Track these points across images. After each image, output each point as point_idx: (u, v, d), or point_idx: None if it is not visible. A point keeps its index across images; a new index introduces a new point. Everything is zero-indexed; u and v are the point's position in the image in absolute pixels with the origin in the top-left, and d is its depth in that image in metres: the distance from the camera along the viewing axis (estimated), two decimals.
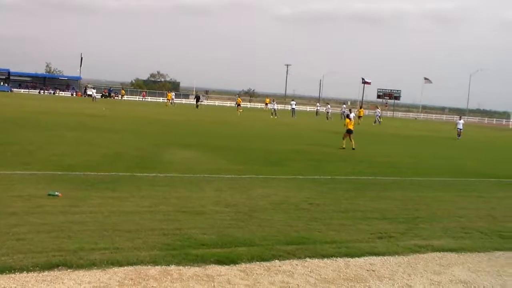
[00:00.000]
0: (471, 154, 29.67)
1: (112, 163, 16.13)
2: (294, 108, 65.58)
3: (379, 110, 63.54)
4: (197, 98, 73.58)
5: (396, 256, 8.60)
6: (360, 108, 58.76)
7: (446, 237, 10.02)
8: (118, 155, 17.91)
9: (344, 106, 68.90)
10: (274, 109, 60.40)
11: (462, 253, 9.05)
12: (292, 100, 71.25)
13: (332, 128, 43.68)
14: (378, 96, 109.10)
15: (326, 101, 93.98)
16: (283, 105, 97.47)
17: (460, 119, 45.09)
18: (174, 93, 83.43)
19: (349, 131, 26.01)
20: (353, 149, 25.23)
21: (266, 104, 79.62)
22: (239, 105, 64.39)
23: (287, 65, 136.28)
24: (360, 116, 56.65)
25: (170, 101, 74.31)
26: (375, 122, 59.57)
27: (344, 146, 25.54)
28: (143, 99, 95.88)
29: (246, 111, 66.20)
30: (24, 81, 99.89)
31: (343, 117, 63.89)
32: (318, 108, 67.26)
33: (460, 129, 43.08)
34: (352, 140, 25.84)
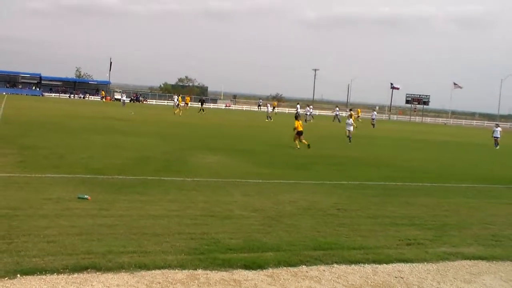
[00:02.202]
0: (502, 160, 29.16)
1: (140, 166, 16.27)
2: (311, 112, 66.16)
3: (375, 113, 62.03)
4: (202, 102, 68.94)
5: (425, 263, 8.48)
6: (350, 110, 55.65)
7: (476, 244, 9.84)
8: (146, 159, 18.07)
9: (337, 109, 69.86)
10: (269, 111, 60.77)
11: (494, 262, 8.88)
12: (298, 104, 71.38)
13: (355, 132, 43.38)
14: (407, 101, 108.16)
15: (336, 105, 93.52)
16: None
17: (497, 127, 40.56)
18: (176, 96, 66.67)
19: (299, 133, 26.24)
20: (308, 146, 25.52)
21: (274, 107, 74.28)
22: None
23: (315, 70, 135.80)
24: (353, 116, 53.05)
25: (179, 104, 57.45)
26: (373, 125, 56.90)
27: (298, 147, 25.68)
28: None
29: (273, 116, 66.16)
30: (55, 85, 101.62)
31: (335, 119, 64.76)
32: (337, 112, 65.62)
33: (497, 137, 39.05)
34: (303, 140, 26.07)
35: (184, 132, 31.26)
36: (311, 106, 67.13)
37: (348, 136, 32.42)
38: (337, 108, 70.33)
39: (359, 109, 72.03)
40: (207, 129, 36.16)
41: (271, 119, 57.46)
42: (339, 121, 63.44)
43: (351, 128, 33.12)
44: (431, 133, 54.48)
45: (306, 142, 25.92)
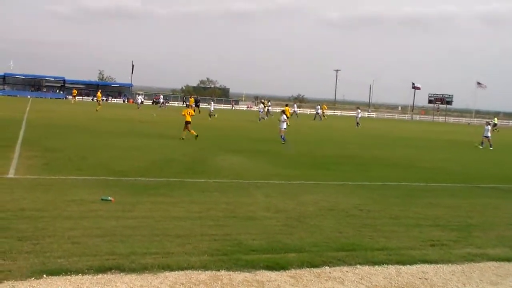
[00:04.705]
0: None
1: (162, 168, 16.37)
2: (295, 111, 67.23)
3: (359, 111, 60.94)
4: (196, 102, 62.99)
5: (450, 264, 8.39)
6: (286, 105, 52.16)
7: (502, 246, 9.70)
8: (168, 161, 18.16)
9: (318, 106, 69.30)
10: (262, 111, 56.04)
11: None
12: (294, 103, 73.00)
13: (372, 132, 43.14)
14: (429, 101, 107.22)
15: (318, 103, 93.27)
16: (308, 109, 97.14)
17: (487, 125, 35.85)
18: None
19: (187, 123, 26.38)
20: (196, 136, 25.95)
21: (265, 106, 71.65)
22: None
23: (336, 71, 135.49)
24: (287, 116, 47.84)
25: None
26: (357, 124, 54.19)
27: (183, 137, 25.91)
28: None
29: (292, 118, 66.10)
30: (78, 88, 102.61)
31: (316, 117, 64.52)
32: (359, 114, 61.90)
33: (488, 137, 34.79)
34: (191, 130, 26.21)
35: (204, 134, 31.35)
36: (359, 110, 63.01)
37: (281, 136, 28.27)
38: (318, 106, 69.92)
39: (324, 105, 72.41)
40: (226, 130, 36.23)
41: (263, 119, 52.99)
42: (320, 119, 64.02)
43: (284, 126, 28.87)
44: (455, 133, 53.90)
45: (194, 132, 26.13)
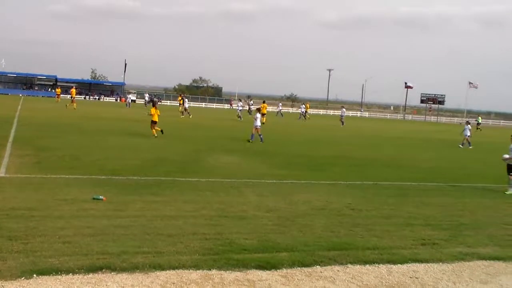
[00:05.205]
0: None
1: (155, 167, 16.34)
2: (280, 110, 70.07)
3: (344, 110, 60.76)
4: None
5: (440, 263, 8.43)
6: (263, 102, 50.40)
7: (492, 245, 9.76)
8: (160, 160, 18.13)
9: (303, 106, 69.28)
10: (240, 109, 54.03)
11: (510, 262, 8.78)
12: (279, 102, 75.35)
13: (364, 132, 43.23)
14: (422, 101, 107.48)
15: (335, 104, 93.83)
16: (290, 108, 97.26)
17: (467, 124, 35.66)
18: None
19: (153, 122, 26.69)
20: (156, 135, 26.08)
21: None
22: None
23: (329, 70, 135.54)
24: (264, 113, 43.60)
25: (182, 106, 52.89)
26: (342, 123, 54.27)
27: (156, 135, 26.12)
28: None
29: (286, 116, 66.11)
30: (71, 87, 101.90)
31: (300, 116, 64.43)
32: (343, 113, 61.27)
33: (468, 136, 34.59)
34: (154, 129, 26.49)
35: (197, 134, 31.33)
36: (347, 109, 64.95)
37: (259, 135, 27.20)
38: (303, 105, 69.82)
39: (307, 104, 72.66)
40: (219, 130, 36.20)
41: (240, 117, 50.95)
42: (304, 118, 64.00)
43: (258, 124, 27.59)
44: (446, 133, 54.06)
45: (158, 129, 26.48)
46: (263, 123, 30.65)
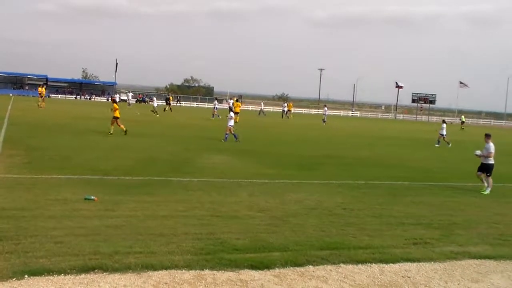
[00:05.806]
0: (510, 160, 29.00)
1: (146, 167, 16.30)
2: (262, 109, 70.54)
3: (326, 109, 61.49)
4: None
5: (432, 262, 8.47)
6: (236, 100, 49.97)
7: (483, 244, 9.82)
8: (152, 160, 18.10)
9: (285, 104, 69.37)
10: (216, 108, 52.86)
11: (501, 261, 8.85)
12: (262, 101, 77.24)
13: (355, 131, 43.33)
14: (413, 101, 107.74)
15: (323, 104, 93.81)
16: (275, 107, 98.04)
17: (444, 123, 35.80)
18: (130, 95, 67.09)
19: (115, 118, 27.03)
20: (125, 132, 26.52)
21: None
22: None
23: (321, 70, 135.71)
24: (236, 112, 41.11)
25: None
26: (323, 121, 55.15)
27: (111, 132, 26.49)
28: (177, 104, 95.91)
29: (272, 116, 66.06)
30: (61, 86, 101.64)
31: (283, 115, 64.43)
32: (326, 112, 60.16)
33: (443, 135, 34.66)
34: (121, 125, 26.89)
35: (188, 133, 31.29)
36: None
37: (233, 134, 26.88)
38: (285, 104, 70.10)
39: (290, 103, 72.51)
40: (211, 130, 36.15)
41: (218, 116, 49.78)
42: (288, 117, 64.09)
43: (231, 123, 27.30)
44: (437, 132, 54.19)
45: (123, 127, 26.76)
46: (236, 122, 30.66)
